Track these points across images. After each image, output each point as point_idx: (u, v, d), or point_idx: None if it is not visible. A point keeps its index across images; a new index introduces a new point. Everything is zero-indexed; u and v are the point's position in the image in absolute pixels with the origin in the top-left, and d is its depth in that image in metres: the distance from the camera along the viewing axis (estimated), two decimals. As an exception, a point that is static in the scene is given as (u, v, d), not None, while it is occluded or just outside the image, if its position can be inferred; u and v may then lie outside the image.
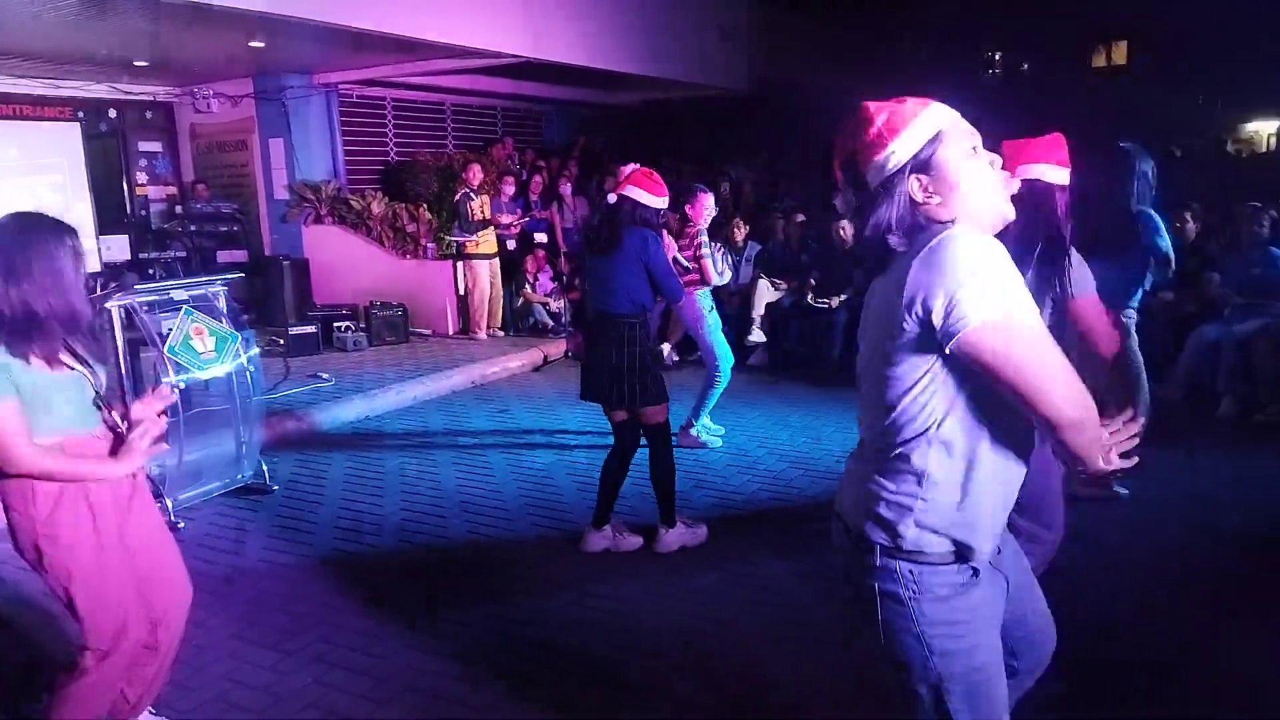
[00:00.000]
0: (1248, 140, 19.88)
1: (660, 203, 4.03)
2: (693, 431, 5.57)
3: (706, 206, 5.57)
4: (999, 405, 1.61)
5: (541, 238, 10.13)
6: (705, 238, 5.55)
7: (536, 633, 3.37)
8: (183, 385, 4.59)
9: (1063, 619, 3.21)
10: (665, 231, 4.24)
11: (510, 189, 10.01)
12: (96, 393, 2.39)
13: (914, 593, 1.66)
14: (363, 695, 2.97)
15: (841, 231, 8.02)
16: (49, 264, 2.26)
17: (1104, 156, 4.41)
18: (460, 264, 9.29)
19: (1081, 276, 2.84)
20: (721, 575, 3.80)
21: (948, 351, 1.55)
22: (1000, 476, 1.67)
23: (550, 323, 9.28)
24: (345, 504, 4.84)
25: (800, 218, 8.63)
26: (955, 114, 1.67)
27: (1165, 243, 4.47)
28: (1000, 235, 1.68)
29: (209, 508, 4.77)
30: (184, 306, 4.71)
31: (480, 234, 9.01)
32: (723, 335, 5.66)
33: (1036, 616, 1.97)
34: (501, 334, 9.35)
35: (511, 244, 9.85)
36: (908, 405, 1.62)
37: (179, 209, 10.44)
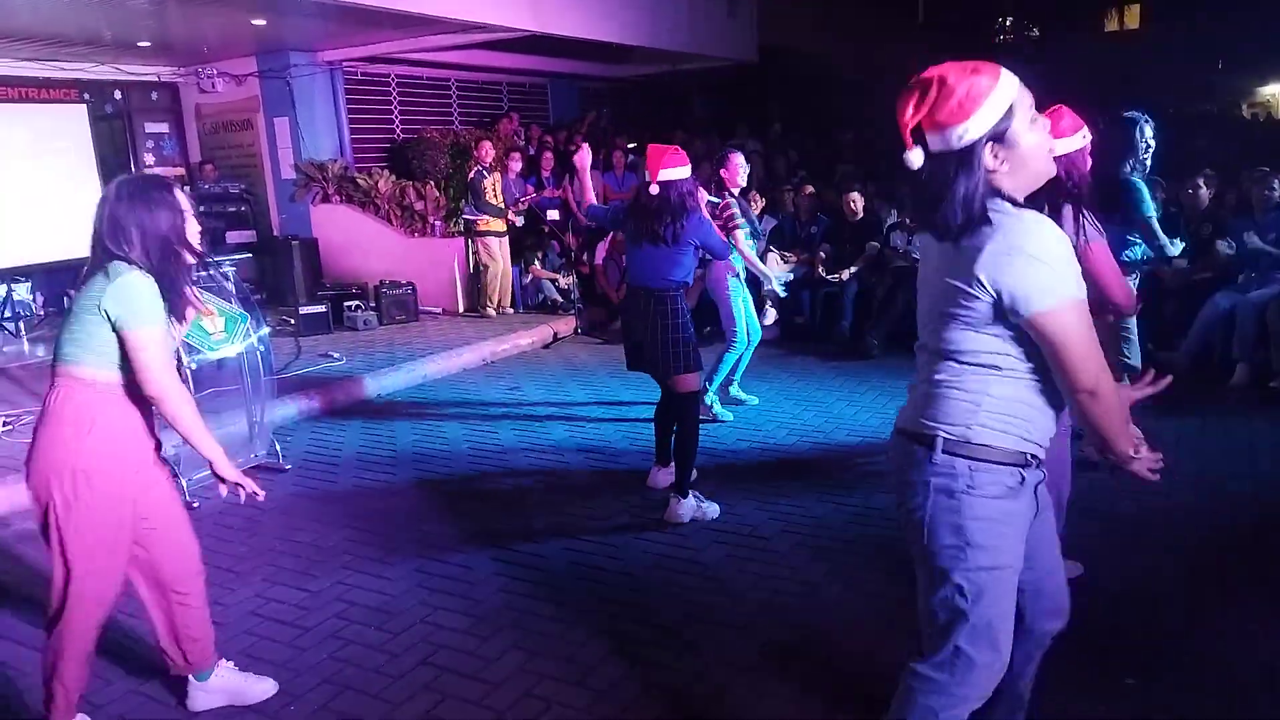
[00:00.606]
0: (1264, 104, 19.60)
1: (688, 170, 4.14)
2: (705, 400, 5.55)
3: (740, 166, 5.42)
4: None
5: (554, 215, 10.07)
6: (736, 209, 5.41)
7: (545, 608, 3.40)
8: (194, 366, 4.62)
9: (1076, 588, 3.23)
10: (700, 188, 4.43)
11: (517, 165, 9.94)
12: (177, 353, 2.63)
13: (967, 486, 1.82)
14: (378, 669, 3.01)
15: (852, 204, 7.98)
16: (155, 226, 2.45)
17: (1107, 122, 4.42)
18: (472, 241, 9.27)
19: (1094, 227, 2.89)
20: (729, 549, 3.82)
21: (1015, 322, 1.74)
22: (1050, 401, 1.84)
23: (560, 299, 9.27)
24: (357, 481, 4.87)
25: (809, 190, 8.58)
26: (1018, 81, 1.79)
27: (1146, 213, 4.41)
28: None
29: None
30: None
31: (492, 215, 8.96)
32: (751, 311, 5.62)
33: (1050, 574, 2.08)
34: (511, 311, 9.34)
35: (519, 221, 9.81)
36: (973, 348, 1.81)
37: (187, 190, 10.41)
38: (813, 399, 6.04)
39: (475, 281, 9.34)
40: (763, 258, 8.01)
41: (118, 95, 10.19)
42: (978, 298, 1.75)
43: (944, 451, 1.83)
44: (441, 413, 6.21)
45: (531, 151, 10.95)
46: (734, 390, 5.82)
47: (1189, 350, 6.02)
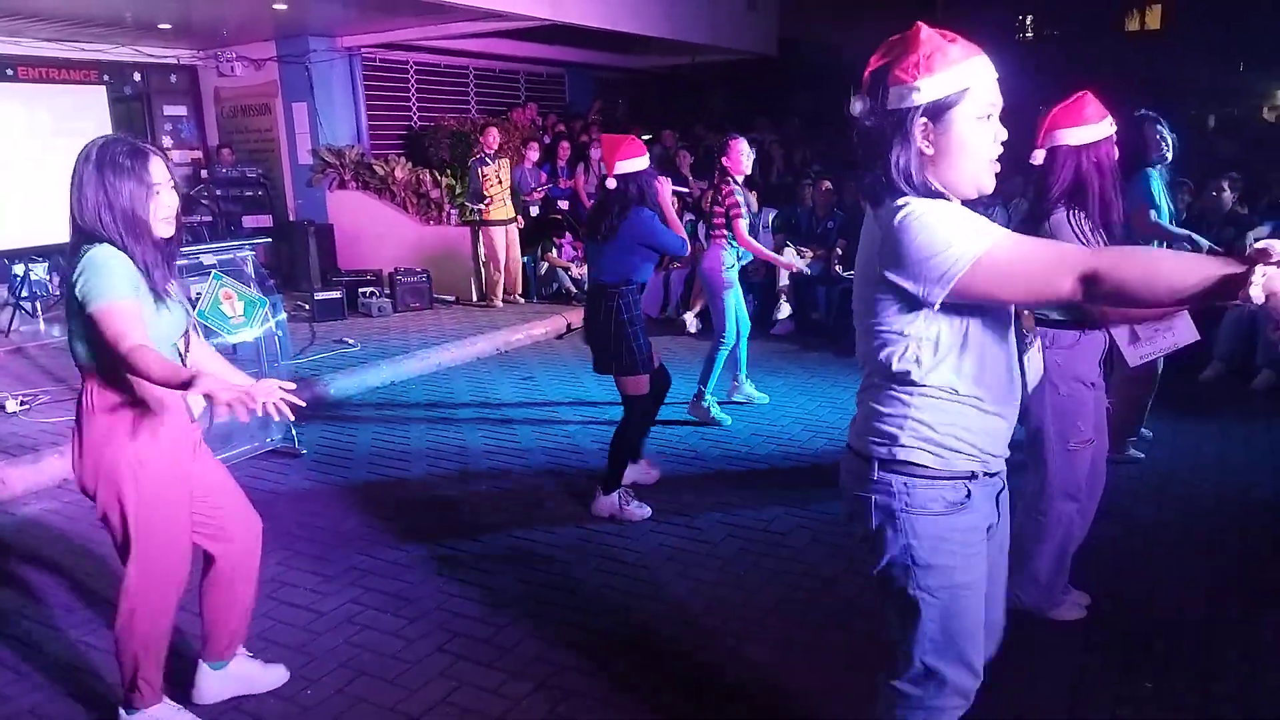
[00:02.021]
0: (1285, 107, 19.40)
1: (646, 161, 4.04)
2: (703, 404, 5.48)
3: (743, 153, 5.28)
4: (984, 342, 1.70)
5: (564, 204, 10.05)
6: (740, 196, 5.30)
7: (563, 597, 3.39)
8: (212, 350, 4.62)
9: (1096, 590, 3.21)
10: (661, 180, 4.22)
11: (534, 154, 9.92)
12: (184, 334, 2.50)
13: (906, 504, 1.74)
14: (394, 655, 3.01)
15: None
16: (118, 198, 2.29)
17: (1123, 125, 4.43)
18: (480, 230, 9.25)
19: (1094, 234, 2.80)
20: (744, 544, 3.81)
21: (937, 307, 1.62)
22: (989, 403, 1.73)
23: (574, 289, 9.26)
24: (372, 467, 4.88)
25: (826, 185, 8.54)
26: (992, 74, 1.67)
27: (1151, 201, 4.36)
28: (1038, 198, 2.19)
29: (239, 471, 4.81)
30: (213, 271, 4.72)
31: (493, 196, 8.81)
32: (741, 304, 5.49)
33: (992, 603, 1.92)
34: (521, 300, 9.32)
35: (535, 210, 9.79)
36: (896, 346, 1.69)
37: (204, 173, 10.46)
38: (828, 395, 6.02)
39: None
40: (779, 252, 8.00)
41: (137, 77, 10.21)
42: (884, 287, 1.65)
43: (880, 470, 1.75)
44: (456, 401, 6.21)
45: (547, 140, 10.93)
46: (746, 388, 5.78)
47: (1221, 355, 5.96)
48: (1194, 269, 1.45)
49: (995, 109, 1.67)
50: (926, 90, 1.61)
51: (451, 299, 9.46)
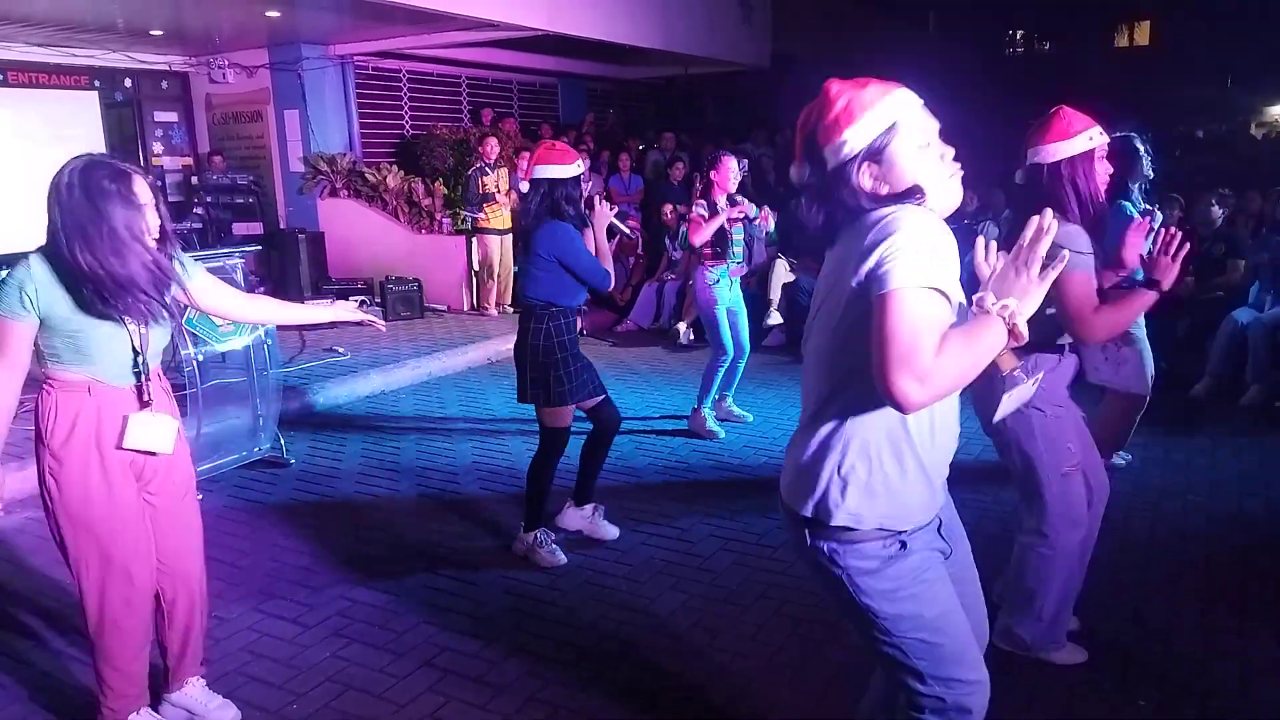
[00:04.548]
0: (1273, 123, 19.60)
1: (573, 170, 3.66)
2: (702, 413, 5.46)
3: (731, 170, 5.28)
4: None
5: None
6: (724, 201, 5.26)
7: (551, 611, 3.36)
8: (201, 358, 4.59)
9: (1090, 608, 3.20)
10: (600, 200, 3.86)
11: (525, 164, 9.92)
12: (137, 352, 2.41)
13: (842, 569, 1.72)
14: (381, 670, 2.98)
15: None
16: (102, 223, 2.27)
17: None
18: (474, 239, 9.24)
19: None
20: (737, 558, 3.78)
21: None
22: (925, 452, 1.70)
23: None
24: (361, 478, 4.84)
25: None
26: (916, 101, 1.68)
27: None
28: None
29: (227, 480, 4.78)
30: (202, 278, 4.68)
31: (488, 208, 8.87)
32: (742, 324, 5.46)
33: (971, 611, 1.91)
34: (512, 310, 9.30)
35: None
36: (830, 391, 1.68)
37: (195, 180, 10.42)
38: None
39: (478, 279, 9.32)
40: (769, 266, 8.01)
41: (128, 83, 10.17)
42: (853, 299, 1.60)
43: (810, 536, 1.73)
44: (446, 412, 6.17)
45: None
46: (729, 404, 5.72)
47: (1214, 372, 5.96)
48: (983, 341, 1.55)
49: (933, 134, 1.68)
50: (854, 139, 1.63)
51: (443, 308, 9.43)
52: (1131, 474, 4.57)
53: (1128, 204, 4.32)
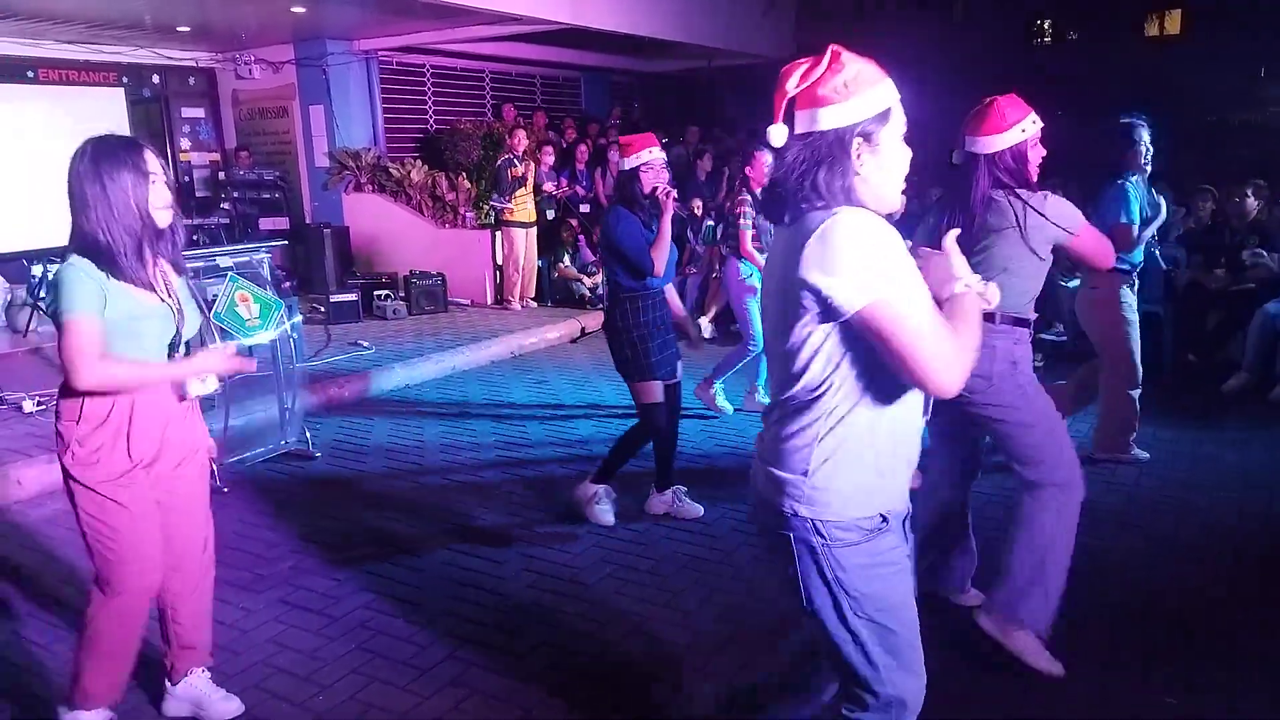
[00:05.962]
0: (1306, 113, 19.21)
1: (630, 161, 3.84)
2: (711, 390, 5.56)
3: (766, 165, 5.30)
4: (887, 369, 1.64)
5: (585, 209, 10.05)
6: (750, 208, 5.37)
7: (574, 604, 3.37)
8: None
9: (1116, 604, 3.16)
10: (664, 194, 3.88)
11: (550, 158, 9.95)
12: (177, 330, 2.45)
13: (824, 540, 1.71)
14: (405, 662, 3.00)
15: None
16: (115, 192, 2.31)
17: (1104, 129, 4.43)
18: (499, 232, 9.27)
19: (1061, 214, 2.77)
20: (760, 551, 3.77)
21: (840, 322, 1.61)
22: (897, 433, 1.72)
23: (588, 294, 9.25)
24: (387, 471, 4.87)
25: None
26: (897, 95, 1.68)
27: (1129, 218, 4.29)
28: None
29: (254, 473, 4.83)
30: (229, 273, 4.73)
31: (517, 196, 8.88)
32: (760, 319, 5.50)
33: None
34: (535, 304, 9.33)
35: (550, 214, 9.80)
36: (808, 369, 1.67)
37: (222, 175, 10.51)
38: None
39: (502, 273, 9.35)
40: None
41: (156, 79, 10.27)
42: (801, 301, 1.61)
43: (792, 503, 1.71)
44: (469, 406, 6.20)
45: (565, 145, 10.94)
46: (759, 396, 5.72)
47: (1248, 366, 5.87)
48: (971, 313, 1.70)
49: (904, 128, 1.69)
50: (854, 110, 1.61)
51: (466, 302, 9.47)
52: (1158, 468, 4.51)
53: (1130, 185, 4.26)
